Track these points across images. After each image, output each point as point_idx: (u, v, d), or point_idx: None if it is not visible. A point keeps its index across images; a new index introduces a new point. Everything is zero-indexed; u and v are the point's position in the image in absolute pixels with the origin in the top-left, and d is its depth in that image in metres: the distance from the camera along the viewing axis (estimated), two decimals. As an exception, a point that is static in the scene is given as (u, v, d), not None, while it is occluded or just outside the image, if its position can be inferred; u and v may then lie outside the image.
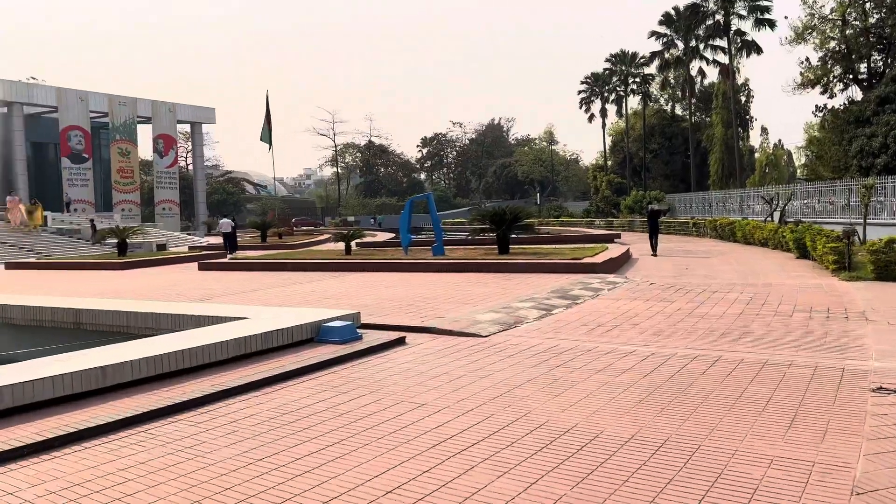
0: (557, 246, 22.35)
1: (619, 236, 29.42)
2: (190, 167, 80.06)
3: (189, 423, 5.02)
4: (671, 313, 9.45)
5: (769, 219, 28.05)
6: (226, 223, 27.60)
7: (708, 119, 63.00)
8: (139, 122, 64.27)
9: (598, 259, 15.87)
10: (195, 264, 20.19)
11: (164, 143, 66.22)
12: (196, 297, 12.98)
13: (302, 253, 22.09)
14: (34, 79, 70.18)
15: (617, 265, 16.73)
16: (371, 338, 7.81)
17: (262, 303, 11.55)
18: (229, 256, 24.39)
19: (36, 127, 60.78)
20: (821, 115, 39.25)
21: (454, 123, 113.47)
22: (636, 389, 5.65)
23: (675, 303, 10.43)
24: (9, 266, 24.26)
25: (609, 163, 68.86)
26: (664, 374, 6.12)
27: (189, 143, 78.44)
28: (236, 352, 6.69)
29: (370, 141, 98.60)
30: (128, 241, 24.87)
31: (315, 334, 7.63)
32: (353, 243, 21.43)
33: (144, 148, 71.62)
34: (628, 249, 19.98)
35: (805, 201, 29.65)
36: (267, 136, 46.47)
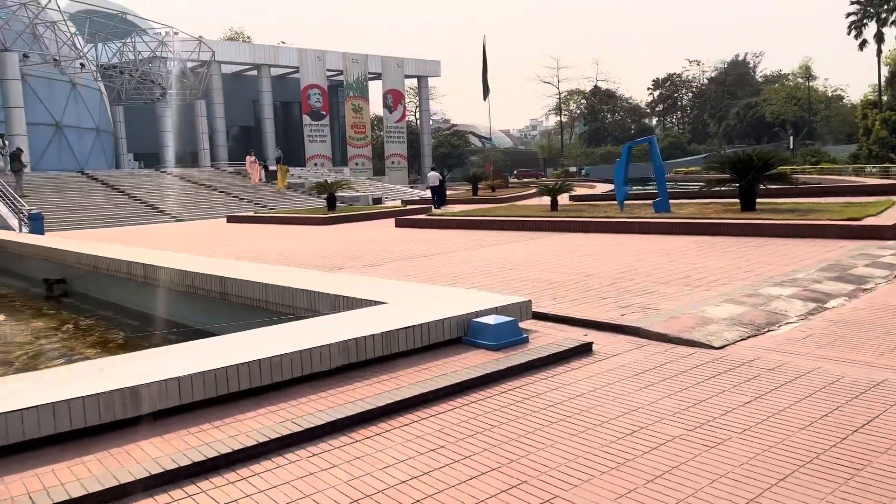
0: (820, 200, 17.75)
1: (904, 187, 23.27)
2: (417, 121, 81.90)
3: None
4: None
5: None
6: (433, 176, 26.56)
7: None
8: (370, 79, 66.63)
9: (886, 219, 11.68)
10: (403, 219, 19.14)
11: (393, 98, 68.07)
12: (370, 260, 11.50)
13: (505, 209, 20.02)
14: (283, 42, 75.82)
15: (913, 228, 12.33)
16: (541, 341, 5.43)
17: (434, 272, 9.66)
18: (435, 210, 23.23)
19: (283, 87, 65.61)
20: None
21: (691, 62, 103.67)
22: None
23: None
24: (230, 219, 25.51)
25: (885, 98, 57.34)
26: None
27: (416, 98, 79.98)
28: (342, 360, 4.74)
29: (596, 86, 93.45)
30: (336, 194, 24.82)
31: (464, 332, 5.45)
32: (560, 197, 18.85)
33: (375, 104, 74.59)
34: (926, 205, 15.02)
35: None
36: (485, 85, 44.96)
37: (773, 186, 17.96)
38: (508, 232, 15.19)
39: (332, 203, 24.16)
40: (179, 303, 9.22)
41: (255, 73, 61.18)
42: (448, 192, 30.10)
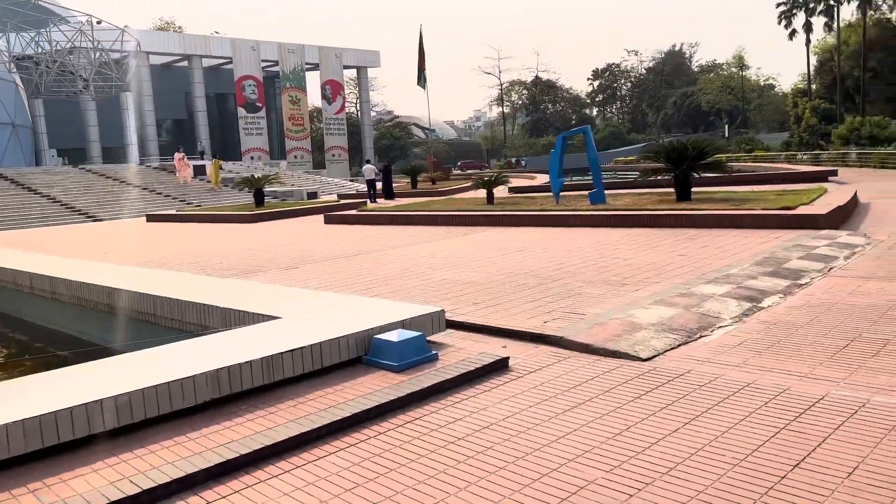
0: (755, 188, 17.71)
1: (834, 173, 23.63)
2: (358, 113, 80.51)
3: None
4: (982, 312, 5.49)
5: None
6: (369, 169, 25.77)
7: (949, 25, 51.38)
8: (307, 69, 65.05)
9: (819, 208, 11.52)
10: (332, 215, 18.24)
11: (332, 90, 66.66)
12: (288, 262, 10.71)
13: (441, 202, 19.39)
14: (217, 33, 73.50)
15: (846, 215, 12.24)
16: (452, 358, 4.81)
17: (353, 275, 8.95)
18: (369, 205, 22.47)
19: (217, 79, 63.43)
20: None
21: (629, 52, 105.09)
22: None
23: (977, 288, 6.33)
24: (150, 218, 24.12)
25: (814, 87, 59.01)
26: None
27: (357, 89, 78.57)
28: (211, 394, 4.01)
29: (537, 77, 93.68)
30: (267, 189, 23.74)
31: (365, 350, 4.79)
32: (498, 189, 18.33)
33: (314, 95, 72.94)
34: (855, 193, 15.06)
35: None
36: (420, 73, 44.25)
37: (709, 175, 17.83)
38: (441, 227, 14.57)
39: (260, 199, 23.06)
40: (66, 315, 8.29)
41: (186, 64, 58.92)
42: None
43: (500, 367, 4.74)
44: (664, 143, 14.39)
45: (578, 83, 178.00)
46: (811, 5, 56.90)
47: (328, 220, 17.49)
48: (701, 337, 5.30)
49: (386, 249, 11.39)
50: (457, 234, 13.19)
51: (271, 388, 4.33)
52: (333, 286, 8.02)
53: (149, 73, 54.86)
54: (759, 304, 6.18)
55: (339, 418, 3.77)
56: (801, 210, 11.36)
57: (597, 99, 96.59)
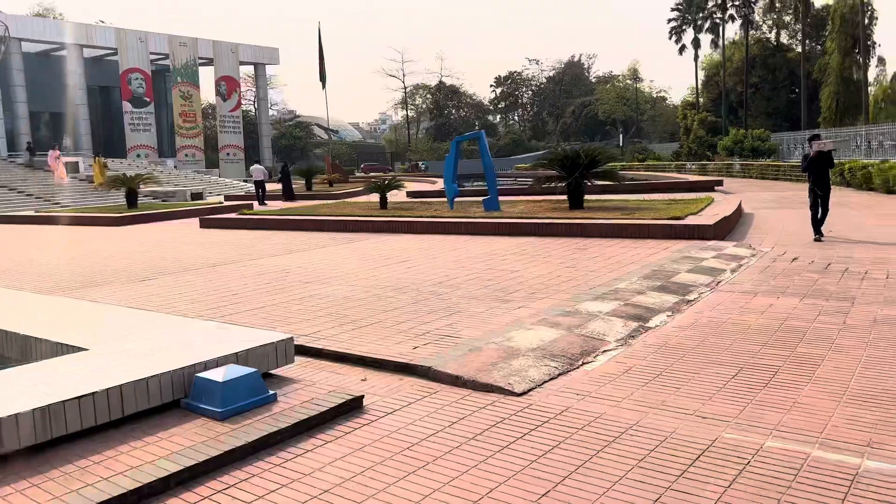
0: (646, 197, 17.85)
1: (720, 183, 24.43)
2: (256, 112, 77.71)
3: None
4: (864, 325, 5.24)
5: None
6: (258, 170, 24.45)
7: (819, 47, 55.17)
8: (201, 64, 62.17)
9: (707, 219, 11.48)
10: (210, 218, 16.85)
11: (227, 86, 64.00)
12: (142, 272, 9.53)
13: (332, 206, 18.44)
14: (102, 22, 69.01)
15: (731, 225, 12.32)
16: (295, 398, 4.03)
17: (209, 290, 7.96)
18: (257, 207, 21.21)
19: (101, 71, 59.40)
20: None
21: (530, 61, 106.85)
22: None
23: (858, 302, 6.16)
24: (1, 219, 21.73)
25: (702, 100, 61.92)
26: None
27: (255, 87, 75.82)
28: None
29: (441, 81, 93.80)
30: (146, 189, 21.96)
31: (186, 391, 3.92)
32: (394, 195, 17.61)
33: (208, 92, 69.75)
34: (740, 203, 15.37)
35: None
36: (321, 73, 42.97)
37: (603, 183, 17.82)
38: (328, 234, 13.68)
39: (132, 200, 21.21)
40: None
41: (66, 53, 54.77)
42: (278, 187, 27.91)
43: (352, 408, 4.00)
44: (556, 150, 14.07)
45: (481, 89, 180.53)
46: (699, 22, 59.68)
47: (204, 224, 16.17)
48: (583, 364, 4.76)
49: (259, 259, 10.40)
50: (342, 241, 12.35)
51: (52, 444, 3.40)
52: (179, 305, 7.03)
53: (21, 62, 50.57)
54: (646, 325, 5.74)
55: (121, 492, 2.91)
56: (690, 220, 11.28)
57: (499, 106, 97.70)
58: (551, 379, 4.46)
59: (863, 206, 16.47)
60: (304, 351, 5.16)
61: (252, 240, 13.13)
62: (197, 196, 27.42)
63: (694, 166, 39.58)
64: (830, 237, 10.72)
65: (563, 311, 6.09)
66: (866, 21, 47.77)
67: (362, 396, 4.10)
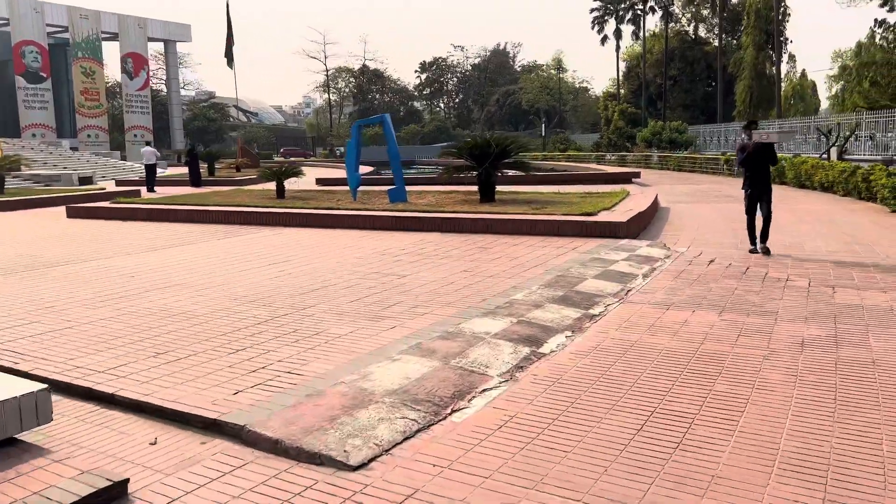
0: (562, 189, 17.10)
1: (637, 175, 24.10)
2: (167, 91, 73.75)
3: None
4: (791, 350, 4.41)
5: (824, 156, 22.66)
6: (149, 152, 22.42)
7: (735, 42, 56.40)
8: (105, 39, 58.21)
9: (620, 215, 10.69)
10: (79, 207, 14.95)
11: (134, 63, 60.25)
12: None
13: (225, 194, 16.83)
14: (-4, -10, 63.73)
15: (646, 221, 11.61)
16: (23, 485, 2.78)
17: (27, 298, 6.50)
18: (146, 194, 19.35)
19: (-4, 42, 54.72)
20: (881, 31, 32.97)
21: (455, 47, 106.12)
22: None
23: (782, 318, 5.36)
24: None
25: (622, 91, 62.50)
26: None
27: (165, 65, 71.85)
28: None
29: (364, 65, 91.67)
30: (24, 173, 19.68)
31: None
32: (299, 182, 16.19)
33: (114, 69, 65.50)
34: (656, 196, 14.78)
35: (869, 134, 24.10)
36: (228, 51, 40.60)
37: (517, 174, 16.97)
38: (209, 226, 12.22)
39: (-1, 185, 18.93)
40: None
41: (-52, 22, 50.08)
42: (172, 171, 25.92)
43: (109, 500, 2.79)
44: (466, 139, 13.02)
45: (406, 75, 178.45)
46: (621, 13, 60.03)
47: (72, 214, 14.32)
48: (452, 412, 3.70)
49: (110, 258, 8.90)
50: (220, 235, 10.95)
51: None
52: (-23, 320, 5.59)
53: None
54: (540, 349, 4.75)
55: None
56: (602, 217, 10.46)
57: (424, 92, 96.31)
58: (406, 439, 3.38)
59: (777, 201, 16.20)
60: (92, 396, 3.90)
61: (116, 233, 11.53)
62: (85, 180, 25.08)
63: (613, 157, 39.57)
64: (780, 255, 9.46)
65: (443, 331, 5.03)
66: (780, 17, 49.05)
67: (126, 481, 2.90)
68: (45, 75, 53.18)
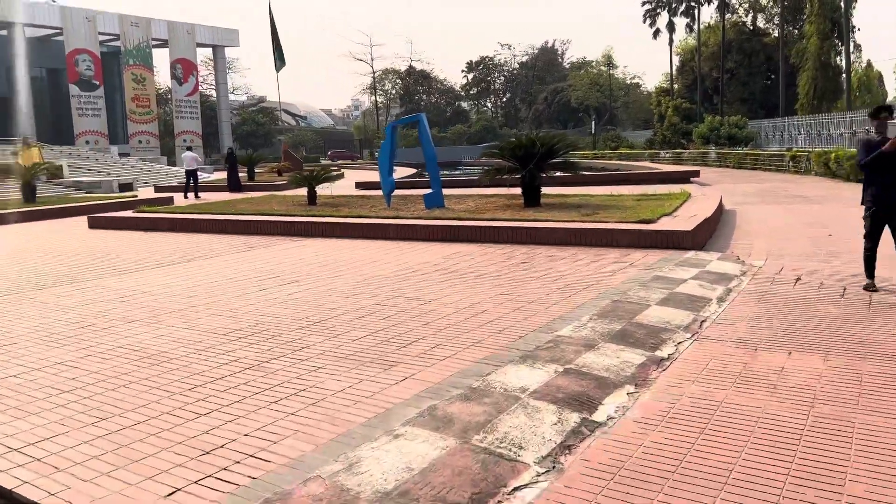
0: (614, 190, 15.74)
1: (696, 174, 22.47)
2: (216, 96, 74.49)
3: None
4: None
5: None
6: (189, 157, 21.92)
7: (797, 31, 53.51)
8: (155, 46, 58.96)
9: (684, 222, 9.36)
10: (100, 217, 14.24)
11: (183, 69, 60.89)
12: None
13: (256, 201, 15.97)
14: (54, 1, 65.24)
15: (712, 227, 10.25)
16: None
17: None
18: (186, 200, 18.79)
19: (49, 52, 55.93)
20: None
21: (503, 45, 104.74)
22: None
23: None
24: None
25: (676, 86, 60.10)
26: None
27: (214, 70, 72.52)
28: None
29: (410, 66, 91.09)
30: (69, 180, 19.33)
31: None
32: (336, 186, 15.28)
33: (164, 75, 66.41)
34: (720, 198, 13.34)
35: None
36: (276, 54, 40.21)
37: (566, 174, 15.69)
38: (230, 237, 11.35)
39: (29, 193, 18.47)
40: None
41: (4, 32, 51.24)
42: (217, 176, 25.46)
43: None
44: (510, 139, 11.85)
45: (453, 75, 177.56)
46: (674, 5, 57.72)
47: (93, 224, 13.66)
48: (468, 532, 2.57)
49: (110, 276, 8.04)
50: (238, 247, 10.05)
51: None
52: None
53: (-49, 41, 47.11)
54: (593, 416, 3.58)
55: None
56: (664, 224, 9.15)
57: (471, 92, 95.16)
58: (393, 584, 2.27)
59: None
60: (-11, 489, 2.92)
61: (130, 246, 10.73)
62: (126, 187, 24.79)
63: (668, 155, 37.74)
64: (830, 241, 8.59)
65: (467, 387, 3.91)
66: (847, 3, 46.18)
67: None
68: (97, 83, 54.10)
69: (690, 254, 8.16)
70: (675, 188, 15.83)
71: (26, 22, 51.07)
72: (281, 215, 12.17)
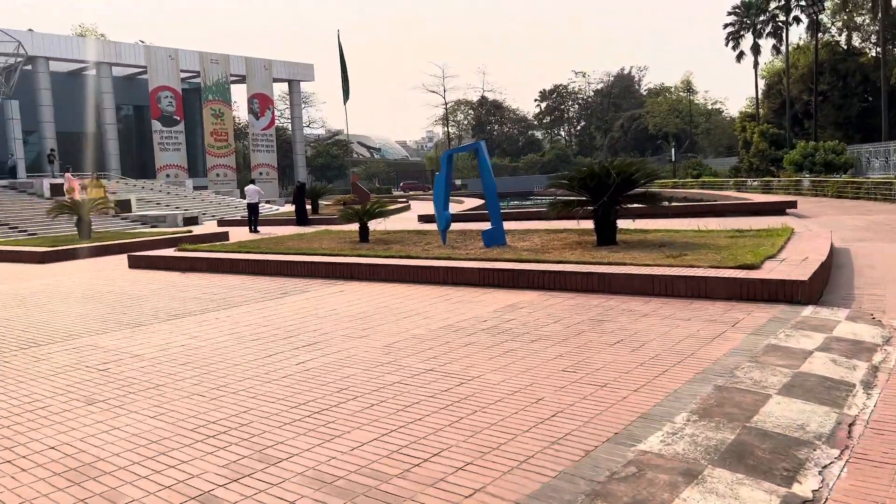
0: (701, 223, 13.94)
1: (793, 205, 20.25)
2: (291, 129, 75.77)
3: None
4: None
5: None
6: (252, 190, 21.43)
7: (897, 50, 49.75)
8: (233, 82, 60.61)
9: (796, 268, 7.60)
10: (140, 256, 13.46)
11: (260, 104, 62.31)
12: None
13: (304, 239, 14.91)
14: (142, 42, 68.28)
15: (826, 274, 8.42)
16: None
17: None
18: (248, 235, 18.19)
19: (134, 90, 58.24)
20: None
21: (577, 73, 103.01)
22: None
23: None
24: None
25: (762, 111, 56.94)
26: None
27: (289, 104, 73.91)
28: None
29: (483, 97, 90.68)
30: (125, 214, 19.04)
31: None
32: (399, 220, 14.14)
33: (241, 110, 68.09)
34: (830, 234, 11.40)
35: None
36: (344, 86, 40.12)
37: (644, 206, 14.04)
38: (268, 279, 10.29)
39: (83, 228, 18.08)
40: None
41: (94, 72, 53.55)
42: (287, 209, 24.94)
43: None
44: (580, 168, 10.35)
45: (525, 104, 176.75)
46: (759, 27, 54.93)
47: (133, 264, 12.93)
48: None
49: (109, 332, 6.97)
50: (271, 292, 8.93)
51: None
52: None
53: (48, 81, 49.37)
54: None
55: None
56: (769, 271, 7.44)
57: (544, 121, 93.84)
58: None
59: None
60: None
61: (159, 290, 9.78)
62: (191, 220, 24.57)
63: (756, 183, 35.12)
64: None
65: (495, 560, 2.47)
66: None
67: None
68: (178, 118, 55.79)
69: (808, 311, 6.45)
70: (771, 221, 13.92)
71: (113, 61, 53.24)
72: (323, 254, 11.05)
